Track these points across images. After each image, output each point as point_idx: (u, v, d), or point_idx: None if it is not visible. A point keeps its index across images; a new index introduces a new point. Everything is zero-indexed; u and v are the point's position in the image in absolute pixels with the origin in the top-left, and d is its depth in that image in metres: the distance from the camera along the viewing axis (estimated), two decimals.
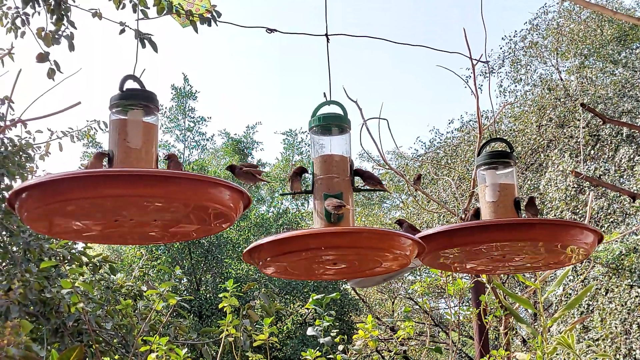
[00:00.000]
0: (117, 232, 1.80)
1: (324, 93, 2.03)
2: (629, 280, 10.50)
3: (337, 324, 4.97)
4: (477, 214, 2.18)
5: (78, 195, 1.53)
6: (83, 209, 1.62)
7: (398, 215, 17.36)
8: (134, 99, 1.76)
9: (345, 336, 4.70)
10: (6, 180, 5.09)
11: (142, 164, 1.73)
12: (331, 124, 1.98)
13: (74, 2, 4.21)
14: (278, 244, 1.80)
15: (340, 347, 4.53)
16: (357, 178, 2.01)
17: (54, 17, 4.17)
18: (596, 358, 7.24)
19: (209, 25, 4.06)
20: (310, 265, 1.96)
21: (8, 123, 4.82)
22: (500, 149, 2.22)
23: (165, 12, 3.93)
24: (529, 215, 2.13)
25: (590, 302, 10.93)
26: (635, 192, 4.92)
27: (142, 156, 1.74)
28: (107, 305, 5.36)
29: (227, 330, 4.10)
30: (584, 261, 10.18)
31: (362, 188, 2.02)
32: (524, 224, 2.02)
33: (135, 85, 1.79)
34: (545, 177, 12.73)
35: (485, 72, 14.07)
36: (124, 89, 1.78)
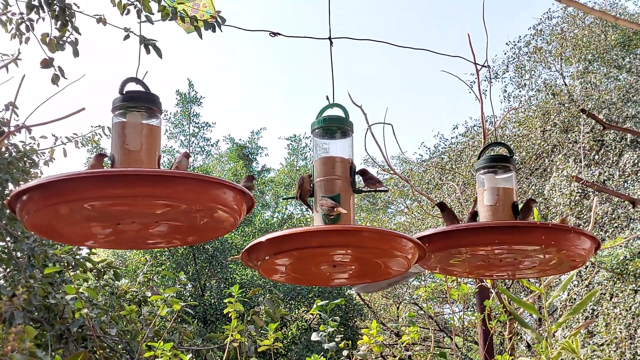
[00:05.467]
0: (119, 236, 1.79)
1: (327, 96, 2.04)
2: (634, 285, 10.47)
3: (341, 329, 4.97)
4: (474, 216, 2.17)
5: (76, 196, 1.51)
6: (83, 211, 1.59)
7: (403, 221, 17.32)
8: (135, 101, 1.74)
9: (350, 342, 4.70)
10: (10, 186, 5.09)
11: (143, 166, 1.70)
12: (333, 126, 1.97)
13: (79, 8, 4.22)
14: (277, 242, 1.78)
15: (345, 353, 4.52)
16: (358, 180, 1.99)
17: (59, 23, 4.16)
18: None
19: (214, 31, 4.07)
20: (310, 268, 1.93)
21: (12, 129, 4.83)
22: (500, 154, 2.22)
23: (169, 17, 3.93)
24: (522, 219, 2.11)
25: (595, 307, 10.90)
26: (636, 198, 4.91)
27: (143, 159, 1.71)
28: (112, 311, 5.36)
29: (231, 335, 4.10)
30: (589, 266, 10.16)
31: (363, 189, 2.00)
32: (520, 227, 2.02)
33: (138, 88, 1.77)
34: (550, 182, 12.72)
35: (489, 78, 14.06)
36: (125, 92, 1.75)
